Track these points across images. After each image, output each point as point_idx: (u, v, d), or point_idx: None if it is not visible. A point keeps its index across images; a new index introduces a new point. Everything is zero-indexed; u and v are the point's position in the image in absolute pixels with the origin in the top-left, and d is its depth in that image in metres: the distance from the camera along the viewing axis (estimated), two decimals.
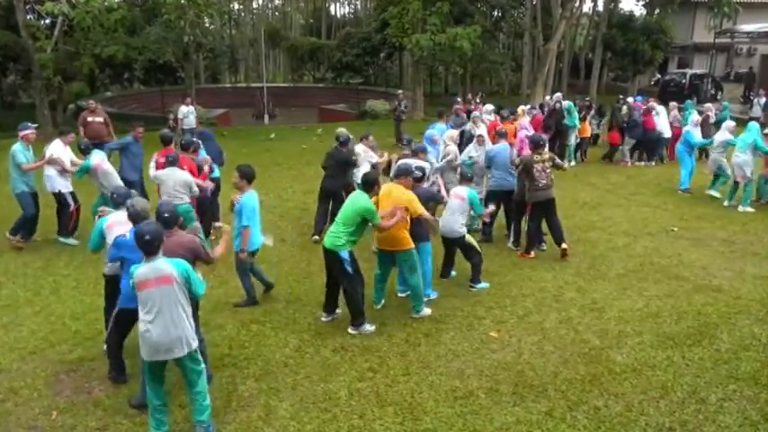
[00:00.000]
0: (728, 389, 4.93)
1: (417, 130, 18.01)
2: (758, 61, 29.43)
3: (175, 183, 7.27)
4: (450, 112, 13.97)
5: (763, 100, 17.90)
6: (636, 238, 8.87)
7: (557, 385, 4.99)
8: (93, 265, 7.16)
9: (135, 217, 4.72)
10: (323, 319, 6.14)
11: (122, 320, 4.87)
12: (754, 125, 10.47)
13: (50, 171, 8.27)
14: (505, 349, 5.60)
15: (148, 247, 4.07)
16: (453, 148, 8.87)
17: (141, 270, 4.08)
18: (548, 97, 17.38)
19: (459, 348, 5.61)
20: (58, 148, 8.39)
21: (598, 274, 7.47)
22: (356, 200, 5.76)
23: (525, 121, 11.84)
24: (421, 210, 6.00)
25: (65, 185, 8.40)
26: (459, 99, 16.70)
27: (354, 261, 5.79)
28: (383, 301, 6.45)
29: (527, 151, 8.41)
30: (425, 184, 7.08)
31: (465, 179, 7.22)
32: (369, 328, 5.84)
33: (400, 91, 18.93)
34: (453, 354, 5.52)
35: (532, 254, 7.98)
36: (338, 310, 6.15)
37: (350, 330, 5.82)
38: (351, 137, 8.89)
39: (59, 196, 8.38)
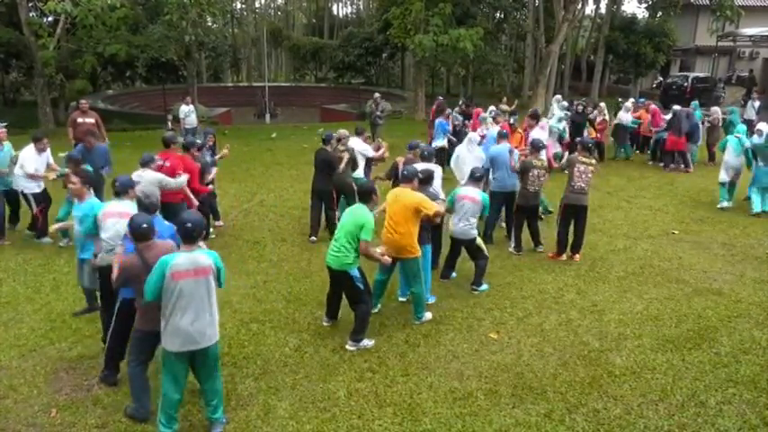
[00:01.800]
0: (728, 392, 4.93)
1: (420, 131, 18.10)
2: (760, 64, 29.46)
3: (146, 185, 7.13)
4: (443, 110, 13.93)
5: (757, 103, 17.95)
6: (636, 240, 8.87)
7: (556, 387, 5.00)
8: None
9: (150, 207, 4.82)
10: (324, 323, 6.07)
11: (126, 312, 4.80)
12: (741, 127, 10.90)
13: (18, 171, 8.24)
14: (505, 351, 5.60)
15: (190, 235, 4.09)
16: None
17: (180, 260, 4.06)
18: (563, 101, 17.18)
19: (459, 349, 5.62)
20: (30, 156, 8.22)
21: (598, 276, 7.47)
22: (356, 212, 5.58)
23: (543, 121, 11.89)
24: (434, 207, 5.93)
25: (28, 187, 8.28)
26: (440, 98, 16.43)
27: (363, 276, 5.64)
28: (380, 306, 6.38)
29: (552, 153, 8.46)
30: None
31: (474, 179, 7.06)
32: (368, 343, 5.65)
33: (377, 94, 17.48)
34: (452, 355, 5.52)
35: (563, 257, 7.94)
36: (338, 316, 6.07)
37: (348, 347, 5.59)
38: (334, 135, 8.75)
39: (24, 197, 8.36)
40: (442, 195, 7.16)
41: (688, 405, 4.76)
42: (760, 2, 31.90)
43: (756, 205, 10.20)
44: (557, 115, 13.38)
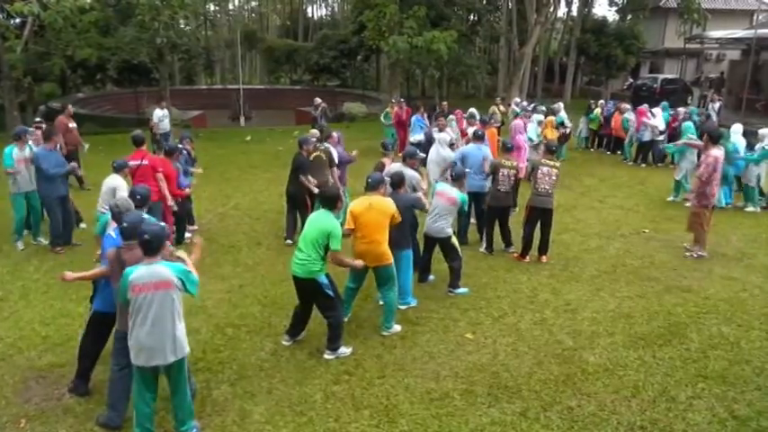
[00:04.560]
0: (697, 387, 5.04)
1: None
2: (726, 66, 30.19)
3: (105, 191, 7.00)
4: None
5: (716, 104, 18.38)
6: (609, 240, 9.01)
7: (531, 386, 5.05)
8: (63, 269, 6.99)
9: (117, 216, 4.65)
10: (284, 342, 5.72)
11: (96, 323, 4.77)
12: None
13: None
14: (481, 351, 5.64)
15: (147, 247, 3.96)
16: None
17: (139, 273, 3.94)
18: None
19: (435, 350, 5.64)
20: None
21: (572, 275, 7.57)
22: (320, 219, 5.35)
23: (519, 123, 11.94)
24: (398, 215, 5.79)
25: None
26: (393, 101, 17.00)
27: (333, 282, 5.47)
28: (350, 314, 6.24)
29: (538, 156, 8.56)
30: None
31: (453, 179, 7.04)
32: (345, 350, 5.55)
33: (318, 99, 16.66)
34: (429, 356, 5.54)
35: (527, 258, 8.01)
36: (302, 333, 5.82)
37: (326, 356, 5.46)
38: (311, 138, 8.70)
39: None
40: (418, 194, 7.09)
41: (659, 400, 4.85)
42: (725, 5, 32.71)
43: (721, 200, 10.49)
44: (535, 120, 13.29)
